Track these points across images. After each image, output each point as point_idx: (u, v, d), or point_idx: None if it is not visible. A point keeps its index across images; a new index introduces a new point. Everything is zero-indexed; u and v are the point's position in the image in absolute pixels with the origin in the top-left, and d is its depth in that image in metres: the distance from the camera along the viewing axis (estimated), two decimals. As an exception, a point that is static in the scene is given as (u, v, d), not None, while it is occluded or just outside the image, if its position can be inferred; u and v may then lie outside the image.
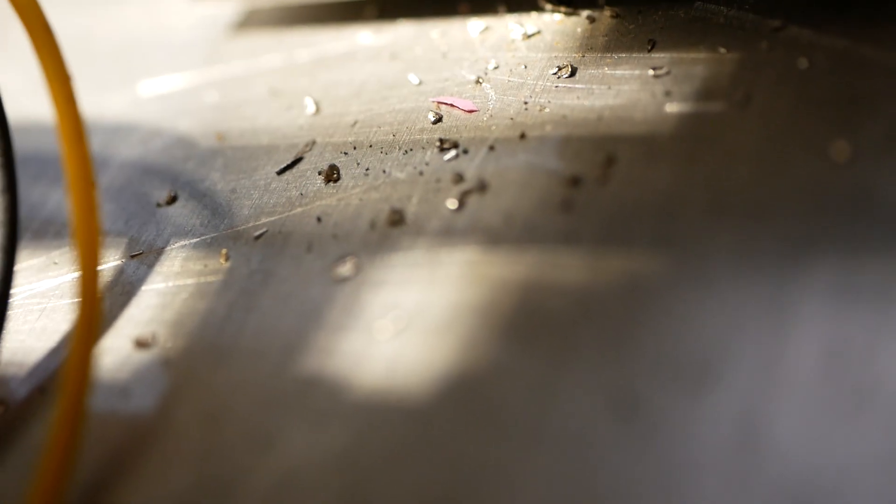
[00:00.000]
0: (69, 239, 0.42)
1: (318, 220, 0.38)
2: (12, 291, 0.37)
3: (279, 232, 0.39)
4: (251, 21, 0.50)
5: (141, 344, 0.37)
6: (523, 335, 0.32)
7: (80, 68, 0.40)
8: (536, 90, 0.39)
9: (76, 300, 0.35)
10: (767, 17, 0.37)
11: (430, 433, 0.31)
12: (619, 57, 0.39)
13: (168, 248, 0.41)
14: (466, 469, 0.30)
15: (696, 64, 0.37)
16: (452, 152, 0.38)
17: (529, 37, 0.42)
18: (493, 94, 0.40)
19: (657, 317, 0.31)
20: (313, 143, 0.42)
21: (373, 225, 0.37)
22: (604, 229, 0.34)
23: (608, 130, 0.37)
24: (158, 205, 0.42)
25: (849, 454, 0.27)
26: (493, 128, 0.39)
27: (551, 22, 0.42)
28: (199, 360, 0.36)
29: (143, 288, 0.39)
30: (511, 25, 0.43)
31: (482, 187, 0.37)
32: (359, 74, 0.44)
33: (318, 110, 0.43)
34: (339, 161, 0.40)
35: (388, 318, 0.34)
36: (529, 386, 0.31)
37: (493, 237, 0.35)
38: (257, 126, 0.44)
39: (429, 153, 0.39)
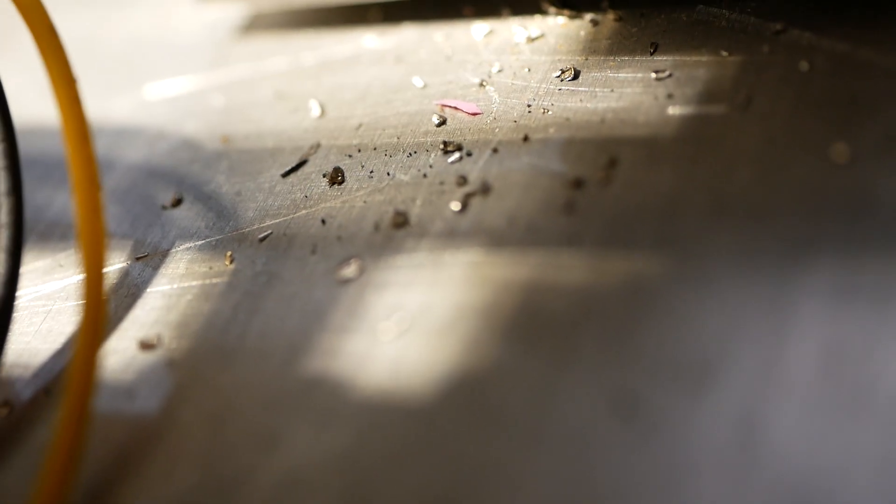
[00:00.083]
0: (74, 241, 0.42)
1: (323, 222, 0.39)
2: (18, 293, 0.37)
3: (284, 234, 0.39)
4: (257, 24, 0.51)
5: (146, 345, 0.38)
6: (525, 336, 0.32)
7: (86, 71, 0.40)
8: (540, 93, 0.39)
9: (81, 302, 0.35)
10: (769, 20, 0.38)
11: (432, 433, 0.31)
12: (621, 60, 0.39)
13: (173, 250, 0.41)
14: (468, 468, 0.30)
15: (698, 67, 0.37)
16: (456, 155, 0.39)
17: (533, 40, 0.42)
18: (496, 96, 0.40)
19: (658, 317, 0.31)
20: (318, 145, 0.42)
21: (377, 227, 0.37)
22: (606, 231, 0.34)
23: (611, 133, 0.37)
24: (164, 207, 0.43)
25: (848, 454, 0.27)
26: (497, 130, 0.39)
27: (555, 25, 0.42)
28: (203, 362, 0.36)
29: (148, 290, 0.40)
30: (515, 29, 0.43)
31: (486, 189, 0.37)
32: (363, 78, 0.44)
33: (323, 113, 0.44)
34: (344, 164, 0.40)
35: (392, 319, 0.35)
36: (531, 386, 0.31)
37: (497, 239, 0.35)
38: (262, 129, 0.44)
39: (433, 156, 0.39)
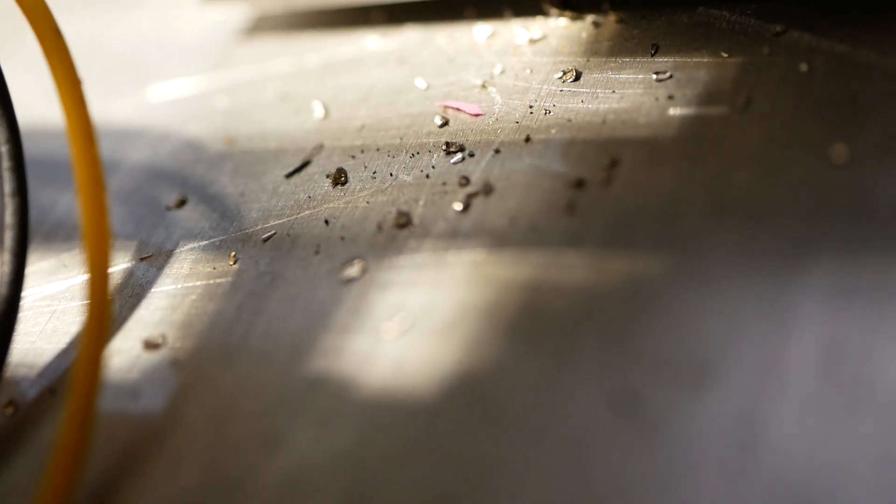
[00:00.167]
0: (79, 242, 0.42)
1: (326, 222, 0.39)
2: (23, 294, 0.37)
3: (287, 234, 0.39)
4: (260, 26, 0.51)
5: (150, 345, 0.38)
6: (527, 335, 0.33)
7: (90, 72, 0.40)
8: (542, 94, 0.40)
9: (86, 302, 0.35)
10: (769, 22, 0.38)
11: (434, 432, 0.32)
12: (623, 61, 0.39)
13: (177, 250, 0.41)
14: (469, 468, 0.30)
15: (698, 68, 0.37)
16: (458, 155, 0.39)
17: (535, 42, 0.42)
18: (498, 98, 0.40)
19: (658, 317, 0.31)
20: (321, 146, 0.42)
21: (380, 227, 0.38)
22: (607, 231, 0.34)
23: (612, 134, 0.37)
24: (168, 208, 0.43)
25: (848, 453, 0.27)
26: (499, 131, 0.39)
27: (556, 27, 0.42)
28: (207, 361, 0.37)
29: (153, 290, 0.40)
30: (517, 31, 0.43)
31: (488, 190, 0.37)
32: (366, 79, 0.45)
33: (326, 114, 0.44)
34: (347, 164, 0.41)
35: (395, 318, 0.35)
36: (532, 386, 0.31)
37: (499, 239, 0.35)
38: (266, 130, 0.44)
39: (435, 156, 0.39)
